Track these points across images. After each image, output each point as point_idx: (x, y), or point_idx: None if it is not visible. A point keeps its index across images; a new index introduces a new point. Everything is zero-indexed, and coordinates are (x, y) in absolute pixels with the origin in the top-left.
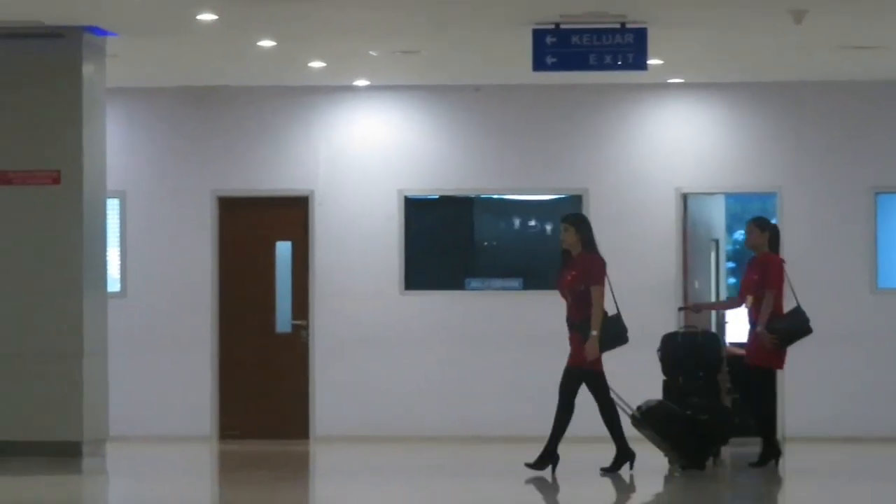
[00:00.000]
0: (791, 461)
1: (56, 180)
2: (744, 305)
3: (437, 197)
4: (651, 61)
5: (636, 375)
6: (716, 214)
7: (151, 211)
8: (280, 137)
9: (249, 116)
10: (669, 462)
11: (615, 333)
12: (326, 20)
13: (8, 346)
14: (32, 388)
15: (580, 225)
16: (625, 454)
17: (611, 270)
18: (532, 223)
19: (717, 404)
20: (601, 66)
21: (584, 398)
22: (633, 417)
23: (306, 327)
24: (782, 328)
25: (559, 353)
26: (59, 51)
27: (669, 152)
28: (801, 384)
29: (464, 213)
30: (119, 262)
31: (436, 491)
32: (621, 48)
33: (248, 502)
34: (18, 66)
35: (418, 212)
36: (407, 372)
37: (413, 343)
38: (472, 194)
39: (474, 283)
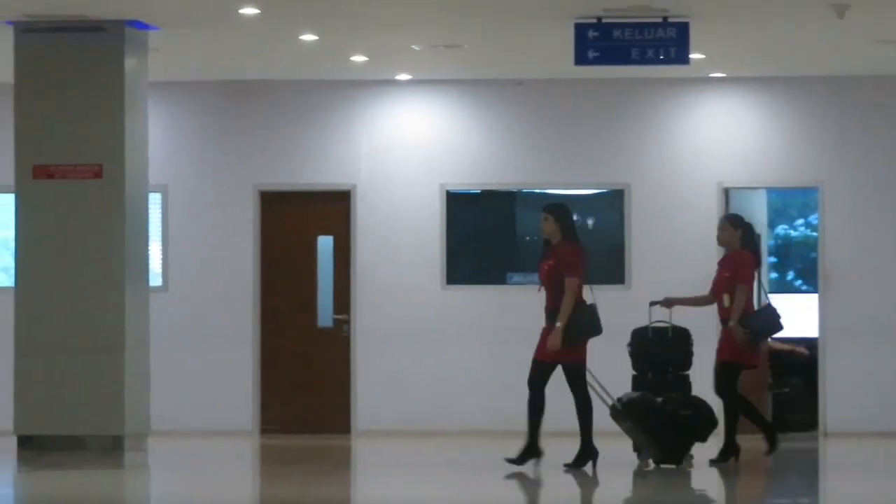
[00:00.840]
0: (833, 456)
1: (98, 174)
2: (716, 304)
3: (478, 191)
4: (693, 55)
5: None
6: (758, 209)
7: (193, 205)
8: (322, 132)
9: (291, 111)
10: (639, 458)
11: (589, 324)
12: (369, 14)
13: (50, 341)
14: (75, 383)
15: (560, 214)
16: (589, 451)
17: (652, 265)
18: (574, 218)
19: (698, 400)
20: (643, 61)
21: (565, 393)
22: (612, 409)
23: (348, 322)
24: (755, 324)
25: (600, 348)
26: (101, 45)
27: (711, 147)
28: (842, 379)
29: (505, 208)
30: (161, 257)
31: (476, 485)
32: (663, 42)
33: (289, 497)
34: (61, 60)
35: (460, 206)
36: (448, 366)
37: (454, 338)
38: (513, 189)
39: (516, 277)
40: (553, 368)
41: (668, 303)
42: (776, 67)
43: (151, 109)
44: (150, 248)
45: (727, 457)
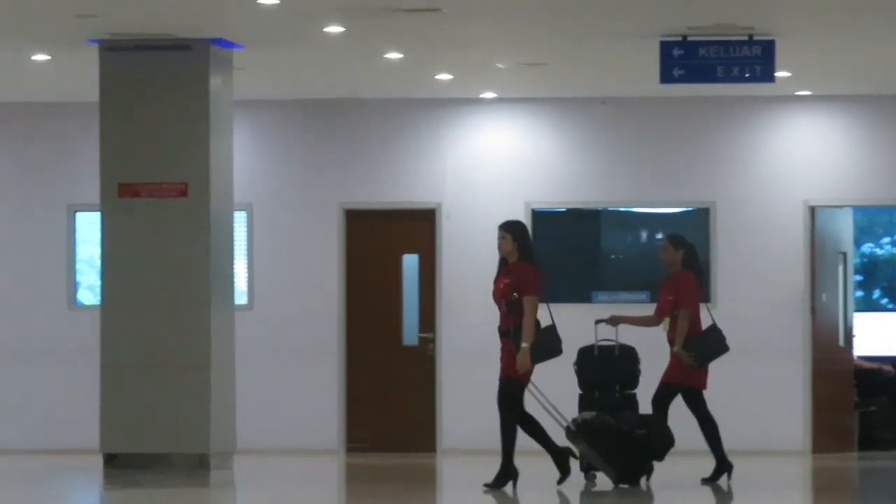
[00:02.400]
0: None
1: (183, 193)
2: (661, 327)
3: (564, 210)
4: (779, 73)
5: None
6: (844, 227)
7: (278, 223)
8: (407, 150)
9: (376, 129)
10: (586, 478)
11: (548, 346)
12: (454, 32)
13: (136, 359)
14: (160, 401)
15: (517, 233)
16: (510, 471)
17: (737, 283)
18: (659, 236)
19: (654, 418)
20: (728, 79)
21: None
22: (567, 430)
23: (433, 340)
24: (699, 347)
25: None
26: (186, 63)
27: (797, 165)
28: None
29: (591, 226)
30: (246, 275)
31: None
32: (749, 60)
33: None
34: (146, 79)
35: (545, 224)
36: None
37: None
38: (599, 207)
39: (601, 295)
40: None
41: (614, 321)
42: (863, 85)
43: (236, 128)
44: (235, 266)
45: (719, 475)
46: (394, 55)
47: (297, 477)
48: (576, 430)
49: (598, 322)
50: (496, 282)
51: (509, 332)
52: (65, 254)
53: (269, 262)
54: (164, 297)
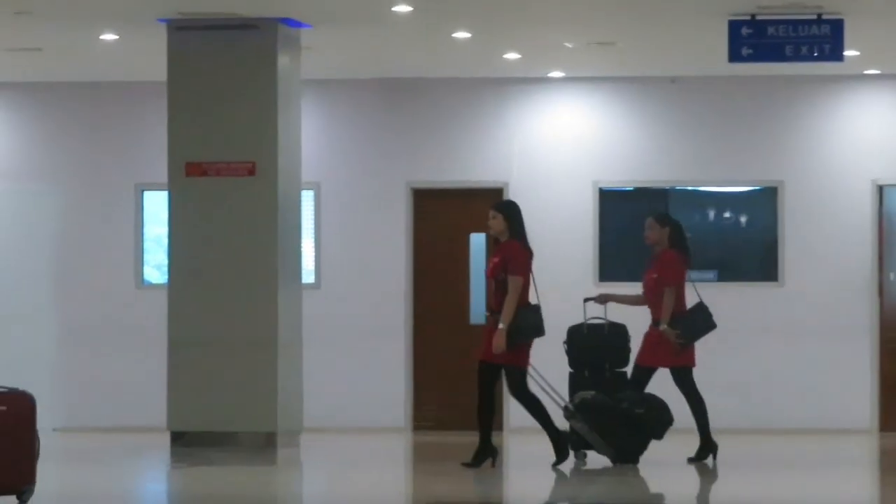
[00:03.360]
0: None
1: (251, 172)
2: (649, 304)
3: (632, 189)
4: (847, 52)
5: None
6: None
7: (346, 202)
8: (475, 129)
9: (444, 108)
10: (576, 457)
11: (532, 325)
12: (522, 12)
13: (203, 338)
14: (228, 380)
15: (508, 212)
16: (488, 450)
17: (806, 262)
18: (727, 215)
19: (653, 397)
20: (797, 58)
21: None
22: (565, 409)
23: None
24: (685, 325)
25: (756, 345)
26: (254, 42)
27: (865, 144)
28: None
29: (658, 205)
30: (313, 254)
31: (625, 482)
32: (817, 39)
33: (442, 494)
34: (214, 58)
35: (613, 203)
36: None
37: None
38: (666, 186)
39: None
40: (500, 369)
41: (603, 299)
42: None
43: (304, 107)
44: (302, 245)
45: (705, 455)
46: (462, 34)
47: (364, 455)
48: (574, 410)
49: (587, 300)
50: (488, 261)
51: (499, 311)
52: (132, 233)
53: (337, 242)
54: (231, 275)
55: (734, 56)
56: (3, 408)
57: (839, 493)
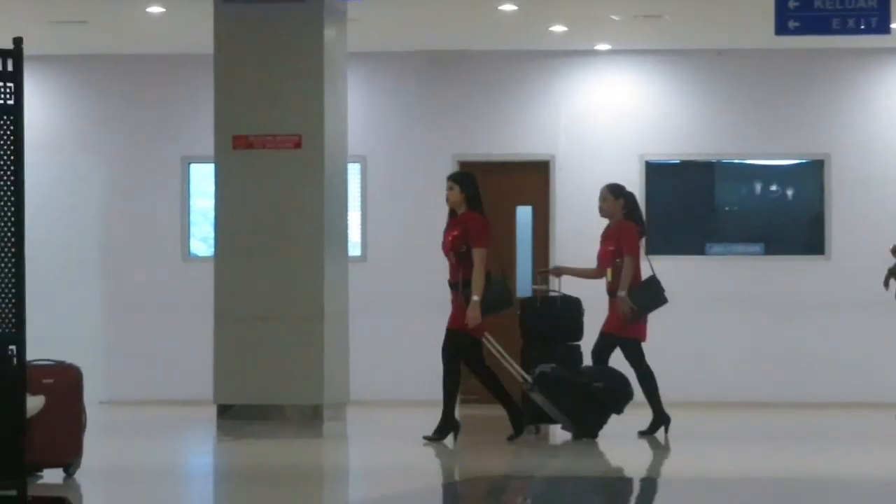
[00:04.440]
0: None
1: (297, 144)
2: (604, 278)
3: (678, 162)
4: (894, 24)
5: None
6: None
7: (392, 175)
8: (521, 102)
9: (490, 81)
10: (528, 431)
11: (499, 297)
12: None
13: (250, 311)
14: (274, 352)
15: (465, 183)
16: (450, 424)
17: (853, 235)
18: (773, 188)
19: (613, 371)
20: (844, 31)
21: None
22: (524, 382)
23: (547, 292)
24: (640, 298)
25: (803, 319)
26: (300, 15)
27: None
28: None
29: (705, 178)
30: (360, 227)
31: (681, 454)
32: (864, 12)
33: (489, 467)
34: (260, 31)
35: (659, 177)
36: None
37: None
38: (713, 159)
39: (715, 248)
40: (464, 338)
41: (557, 272)
42: None
43: (350, 80)
44: (348, 218)
45: (656, 428)
46: (508, 7)
47: (410, 429)
48: (532, 383)
49: (540, 272)
50: (445, 234)
51: (458, 284)
52: (179, 206)
53: (383, 214)
54: (277, 248)
55: (780, 29)
56: (51, 381)
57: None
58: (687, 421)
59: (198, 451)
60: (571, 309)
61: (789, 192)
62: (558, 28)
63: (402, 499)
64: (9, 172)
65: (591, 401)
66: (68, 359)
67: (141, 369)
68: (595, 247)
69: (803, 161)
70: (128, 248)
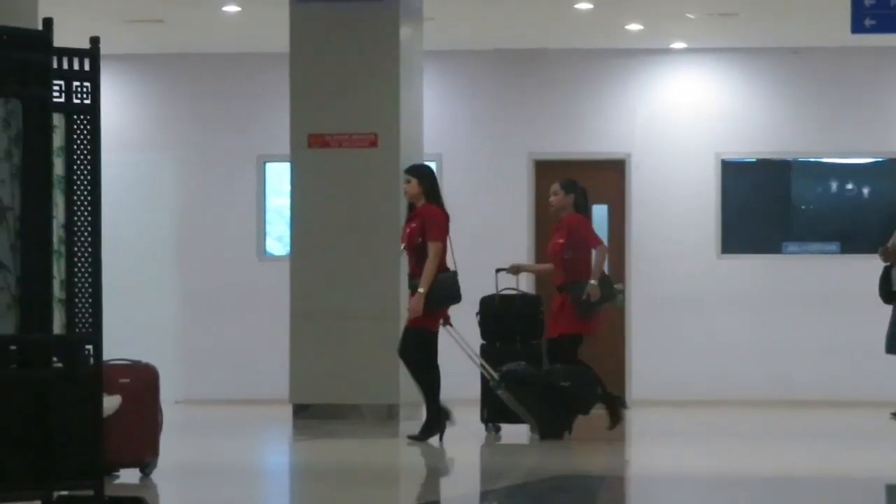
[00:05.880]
0: None
1: (373, 143)
2: (555, 271)
3: (754, 160)
4: None
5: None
6: None
7: (468, 174)
8: (596, 101)
9: (566, 79)
10: (486, 429)
11: (447, 292)
12: None
13: (325, 309)
14: (350, 351)
15: (423, 176)
16: (436, 424)
17: None
18: (850, 187)
19: (581, 370)
20: None
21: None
22: (491, 379)
23: (622, 291)
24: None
25: (877, 317)
26: (376, 14)
27: None
28: None
29: (781, 177)
30: None
31: (749, 455)
32: None
33: (564, 467)
34: (336, 30)
35: (735, 175)
36: (722, 335)
37: (729, 307)
38: (789, 157)
39: (791, 246)
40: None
41: (515, 269)
42: None
43: (426, 78)
44: None
45: (617, 420)
46: (584, 5)
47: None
48: (499, 380)
49: (498, 271)
50: (403, 227)
51: (418, 280)
52: (254, 204)
53: (459, 212)
54: (353, 247)
55: (857, 27)
56: (127, 380)
57: None
58: (765, 420)
59: (273, 450)
60: (530, 307)
61: (865, 191)
62: (634, 26)
63: (476, 498)
64: (86, 172)
65: (557, 401)
66: (144, 358)
67: (217, 368)
68: (670, 246)
69: (879, 159)
70: (203, 247)
